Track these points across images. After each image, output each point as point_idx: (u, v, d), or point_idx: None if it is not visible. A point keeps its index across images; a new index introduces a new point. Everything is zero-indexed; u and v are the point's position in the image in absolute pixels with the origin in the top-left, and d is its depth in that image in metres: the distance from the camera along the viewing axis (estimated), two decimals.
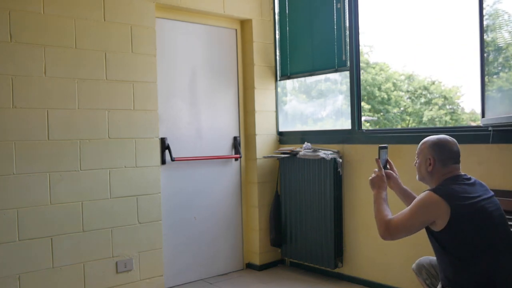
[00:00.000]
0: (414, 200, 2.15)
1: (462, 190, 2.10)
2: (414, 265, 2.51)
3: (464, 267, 2.06)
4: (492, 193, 2.21)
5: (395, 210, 2.26)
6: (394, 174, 2.52)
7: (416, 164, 2.31)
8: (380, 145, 2.48)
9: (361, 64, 3.81)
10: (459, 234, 2.04)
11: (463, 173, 2.22)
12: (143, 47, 3.47)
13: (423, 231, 2.21)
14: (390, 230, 2.14)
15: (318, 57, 4.02)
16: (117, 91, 3.35)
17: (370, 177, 2.40)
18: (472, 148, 2.95)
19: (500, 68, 2.79)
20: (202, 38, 4.00)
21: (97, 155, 3.25)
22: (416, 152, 2.31)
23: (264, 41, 4.24)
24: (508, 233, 2.13)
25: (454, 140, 2.25)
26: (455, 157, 2.22)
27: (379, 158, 2.45)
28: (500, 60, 2.77)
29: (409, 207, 2.15)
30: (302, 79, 4.32)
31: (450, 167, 2.20)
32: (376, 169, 2.41)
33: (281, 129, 4.35)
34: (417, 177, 2.32)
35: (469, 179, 2.19)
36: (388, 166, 2.53)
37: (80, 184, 3.18)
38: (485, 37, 2.76)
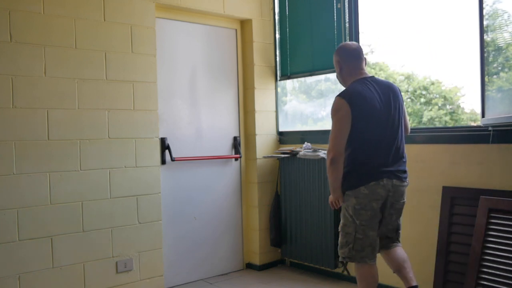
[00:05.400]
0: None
1: (361, 90, 2.51)
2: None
3: (354, 153, 2.54)
4: (399, 96, 2.61)
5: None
6: None
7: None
8: None
9: None
10: (355, 129, 2.49)
11: (371, 75, 2.58)
12: (143, 47, 3.47)
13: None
14: (330, 147, 2.51)
15: (318, 57, 4.02)
16: (117, 91, 3.35)
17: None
18: (472, 148, 2.95)
19: (500, 68, 2.79)
20: (202, 38, 4.00)
21: (97, 155, 3.25)
22: None
23: (264, 41, 4.24)
24: (393, 132, 2.54)
25: (355, 42, 2.79)
26: (355, 54, 2.63)
27: None
28: (500, 60, 2.77)
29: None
30: (302, 79, 4.32)
31: (353, 64, 2.61)
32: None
33: (281, 129, 4.35)
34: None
35: (376, 81, 2.57)
36: None
37: (80, 184, 3.18)
38: (485, 37, 2.77)
